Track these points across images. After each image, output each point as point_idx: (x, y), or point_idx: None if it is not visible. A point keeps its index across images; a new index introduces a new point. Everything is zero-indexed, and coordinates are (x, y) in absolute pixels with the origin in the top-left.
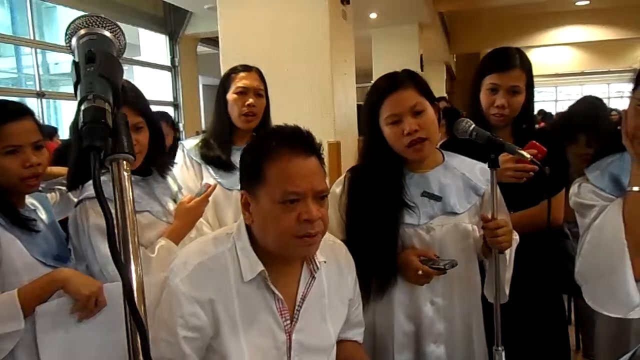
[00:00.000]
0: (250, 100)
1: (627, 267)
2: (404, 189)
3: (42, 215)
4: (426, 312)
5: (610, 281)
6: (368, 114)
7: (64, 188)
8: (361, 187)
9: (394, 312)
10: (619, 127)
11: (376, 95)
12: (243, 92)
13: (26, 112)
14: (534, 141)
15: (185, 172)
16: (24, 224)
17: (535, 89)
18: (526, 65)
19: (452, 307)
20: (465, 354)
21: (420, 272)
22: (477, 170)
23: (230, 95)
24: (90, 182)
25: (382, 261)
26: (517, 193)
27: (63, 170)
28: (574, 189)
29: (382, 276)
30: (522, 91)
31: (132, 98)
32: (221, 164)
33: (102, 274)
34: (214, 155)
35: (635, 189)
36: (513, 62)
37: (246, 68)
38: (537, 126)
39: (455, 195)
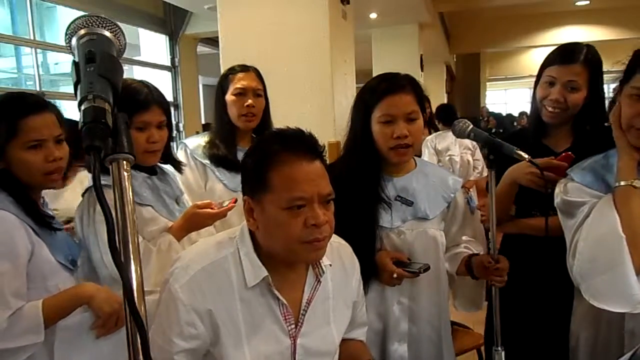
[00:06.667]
0: (250, 101)
1: (627, 261)
2: (381, 189)
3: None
4: (393, 311)
5: (611, 276)
6: (362, 110)
7: None
8: (339, 187)
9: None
10: (606, 124)
11: (375, 93)
12: (241, 93)
13: (47, 105)
14: (570, 153)
15: (189, 173)
16: (47, 224)
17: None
18: (592, 63)
19: (418, 309)
20: (431, 356)
21: (395, 274)
22: (449, 181)
23: (229, 97)
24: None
25: (362, 260)
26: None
27: None
28: (559, 188)
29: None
30: (582, 88)
31: (159, 98)
32: (228, 164)
33: (103, 261)
34: (222, 154)
35: (623, 183)
36: (576, 56)
37: (244, 68)
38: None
39: (426, 200)
